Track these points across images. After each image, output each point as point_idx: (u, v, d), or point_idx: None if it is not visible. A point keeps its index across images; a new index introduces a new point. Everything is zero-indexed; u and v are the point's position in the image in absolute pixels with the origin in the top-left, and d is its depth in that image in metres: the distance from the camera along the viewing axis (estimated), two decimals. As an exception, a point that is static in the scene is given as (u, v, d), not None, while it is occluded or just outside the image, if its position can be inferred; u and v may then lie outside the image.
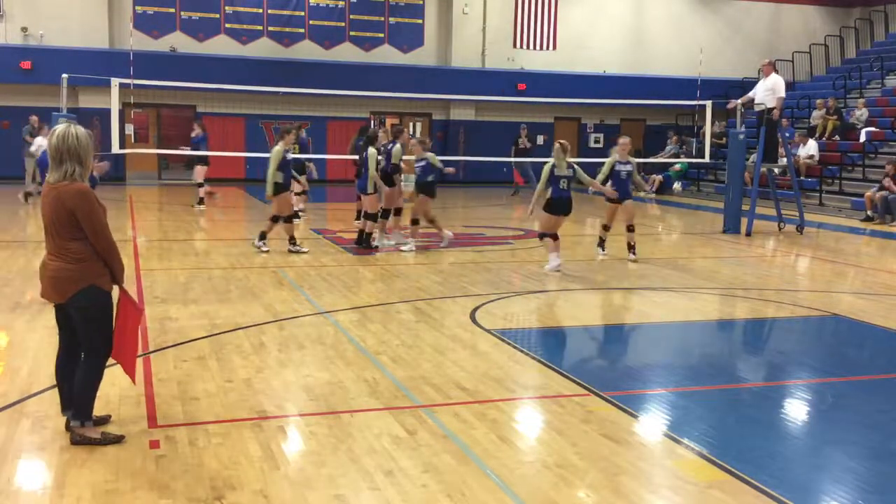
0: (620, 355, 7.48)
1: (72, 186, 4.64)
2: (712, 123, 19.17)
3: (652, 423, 5.47)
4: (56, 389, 5.06)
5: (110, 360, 4.87)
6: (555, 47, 26.27)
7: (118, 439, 4.81)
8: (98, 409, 4.93)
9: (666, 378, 6.61)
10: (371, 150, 11.93)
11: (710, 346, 8.03)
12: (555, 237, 10.89)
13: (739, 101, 16.27)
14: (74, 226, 4.64)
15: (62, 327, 4.91)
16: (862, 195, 18.45)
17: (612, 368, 6.87)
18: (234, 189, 22.24)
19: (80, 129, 4.72)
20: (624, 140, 12.42)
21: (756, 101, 15.70)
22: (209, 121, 23.99)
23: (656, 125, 28.38)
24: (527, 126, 23.81)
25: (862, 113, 22.15)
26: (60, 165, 4.63)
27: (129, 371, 4.99)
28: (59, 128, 4.69)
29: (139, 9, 23.67)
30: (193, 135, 17.53)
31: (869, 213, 17.85)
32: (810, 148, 21.07)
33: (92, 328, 4.74)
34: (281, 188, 11.60)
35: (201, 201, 17.21)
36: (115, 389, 5.60)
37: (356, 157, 13.42)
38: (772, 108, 15.30)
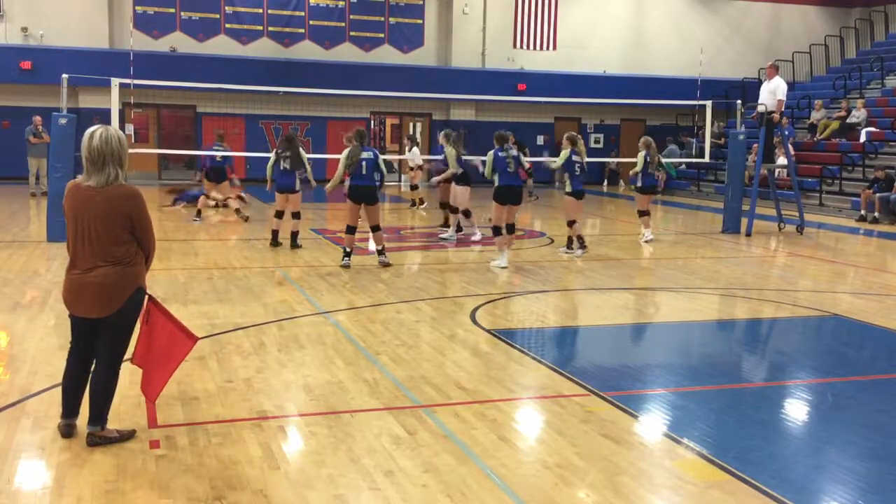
0: (620, 355, 7.48)
1: (126, 189, 4.64)
2: (712, 124, 19.17)
3: (652, 423, 5.47)
4: (51, 392, 5.04)
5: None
6: (555, 47, 26.29)
7: (131, 434, 4.85)
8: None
9: (666, 378, 6.61)
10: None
11: (710, 346, 8.04)
12: (511, 230, 11.14)
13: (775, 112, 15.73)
14: (126, 229, 4.63)
15: (84, 344, 4.78)
16: (859, 195, 18.50)
17: (612, 368, 6.87)
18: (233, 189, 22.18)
19: (119, 132, 4.70)
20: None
21: (759, 102, 15.73)
22: (209, 121, 24.05)
23: (656, 125, 28.41)
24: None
25: (861, 113, 22.15)
26: (103, 168, 4.58)
27: (155, 391, 4.97)
28: (99, 129, 4.63)
29: (139, 9, 23.69)
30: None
31: (863, 212, 17.88)
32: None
33: (128, 333, 4.75)
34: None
35: None
36: (115, 389, 5.60)
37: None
38: (772, 111, 15.33)
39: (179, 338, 4.92)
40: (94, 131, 4.63)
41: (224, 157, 15.82)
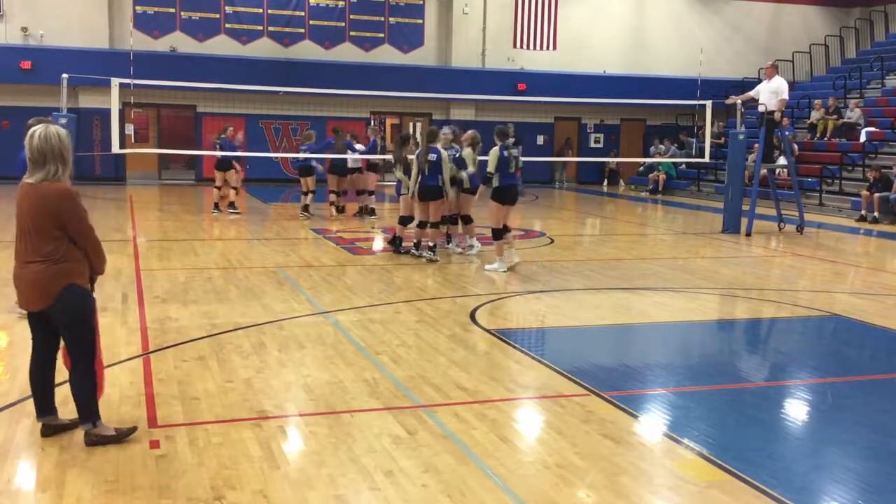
0: (620, 355, 7.48)
1: (54, 186, 4.60)
2: (712, 124, 19.16)
3: (652, 423, 5.48)
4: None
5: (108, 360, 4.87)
6: (555, 47, 26.27)
7: (132, 431, 4.86)
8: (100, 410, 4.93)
9: (666, 378, 6.61)
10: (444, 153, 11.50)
11: (710, 346, 8.04)
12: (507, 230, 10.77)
13: (740, 98, 16.30)
14: (54, 226, 4.60)
15: (38, 336, 4.84)
16: (861, 195, 18.48)
17: (612, 368, 6.87)
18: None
19: (61, 129, 4.70)
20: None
21: (759, 102, 15.72)
22: (209, 121, 24.06)
23: (656, 125, 28.41)
24: (513, 125, 23.68)
25: (855, 113, 22.13)
26: (44, 166, 4.59)
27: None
28: (39, 128, 4.63)
29: (139, 9, 23.69)
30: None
31: (863, 212, 17.87)
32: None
33: (80, 329, 4.71)
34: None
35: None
36: (115, 389, 5.60)
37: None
38: (773, 111, 15.33)
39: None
40: (35, 130, 4.63)
41: (224, 151, 16.49)
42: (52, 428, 4.85)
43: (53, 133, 4.63)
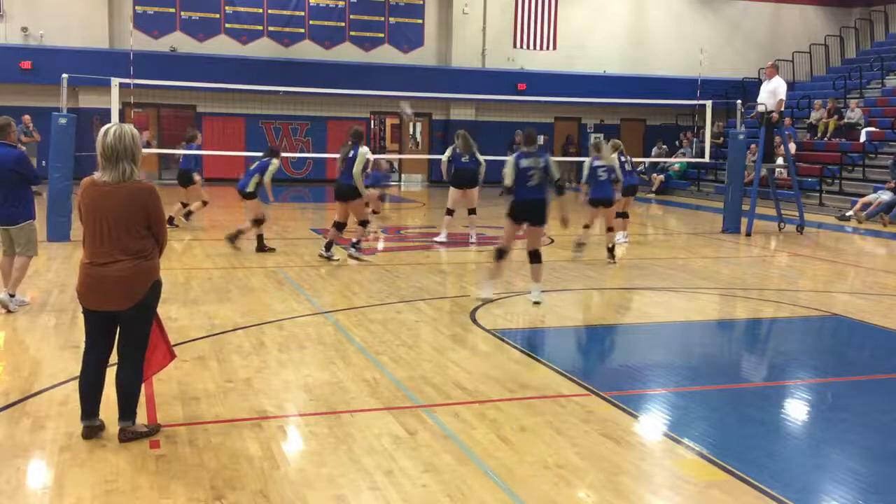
0: (620, 355, 7.48)
1: (144, 185, 4.75)
2: (712, 124, 19.16)
3: (652, 423, 5.47)
4: (51, 392, 5.03)
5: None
6: (555, 47, 26.29)
7: (158, 428, 4.93)
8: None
9: (666, 378, 6.61)
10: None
11: (710, 346, 8.03)
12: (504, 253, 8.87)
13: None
14: (143, 224, 4.70)
15: (100, 338, 4.80)
16: (861, 195, 18.46)
17: (612, 368, 6.87)
18: (233, 189, 22.19)
19: (133, 129, 4.77)
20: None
21: (758, 102, 15.74)
22: (209, 121, 24.06)
23: (656, 125, 28.42)
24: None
25: (855, 113, 22.13)
26: (117, 165, 4.65)
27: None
28: (112, 127, 4.70)
29: (139, 9, 23.71)
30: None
31: (849, 213, 17.80)
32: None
33: (147, 326, 4.81)
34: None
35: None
36: (114, 389, 5.59)
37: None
38: (772, 111, 15.33)
39: (162, 350, 4.98)
40: (109, 129, 4.70)
41: (185, 158, 14.42)
42: (94, 430, 4.82)
43: (127, 132, 4.70)
